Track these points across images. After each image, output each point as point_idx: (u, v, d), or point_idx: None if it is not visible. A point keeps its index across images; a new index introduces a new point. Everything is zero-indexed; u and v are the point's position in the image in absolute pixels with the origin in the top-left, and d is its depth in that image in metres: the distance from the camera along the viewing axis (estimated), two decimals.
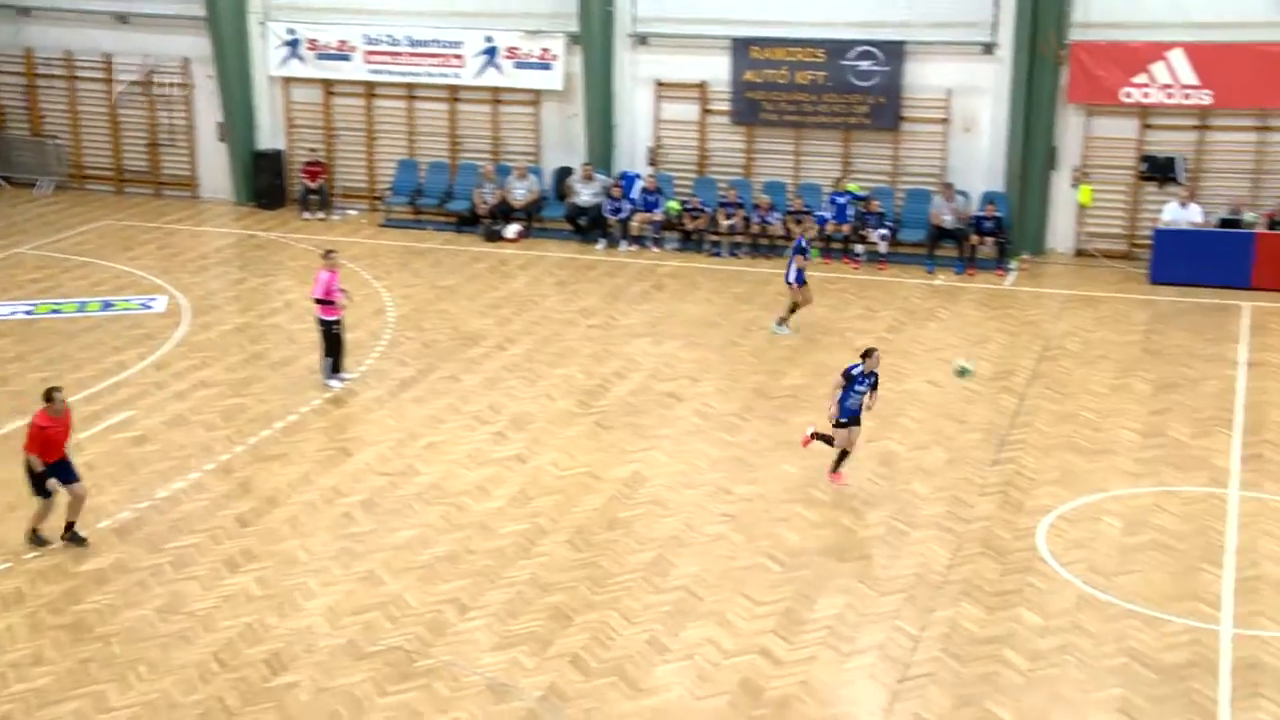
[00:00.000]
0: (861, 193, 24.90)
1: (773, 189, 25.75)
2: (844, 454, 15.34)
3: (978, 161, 25.04)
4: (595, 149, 26.56)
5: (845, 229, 24.55)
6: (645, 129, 26.71)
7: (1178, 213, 23.38)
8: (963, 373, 16.42)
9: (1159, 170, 24.07)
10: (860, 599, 12.99)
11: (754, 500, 15.12)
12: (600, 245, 25.70)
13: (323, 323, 18.27)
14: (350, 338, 19.02)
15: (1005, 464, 16.07)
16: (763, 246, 25.13)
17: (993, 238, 24.10)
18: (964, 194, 24.81)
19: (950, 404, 17.86)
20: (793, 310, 20.67)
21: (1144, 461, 16.13)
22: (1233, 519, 14.62)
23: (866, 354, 15.19)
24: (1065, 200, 24.81)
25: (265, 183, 28.59)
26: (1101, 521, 14.60)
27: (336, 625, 12.49)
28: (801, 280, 20.40)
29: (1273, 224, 23.00)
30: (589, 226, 25.93)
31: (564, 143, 27.09)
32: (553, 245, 25.86)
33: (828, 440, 15.37)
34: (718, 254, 25.17)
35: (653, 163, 26.66)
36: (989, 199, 24.51)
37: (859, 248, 24.56)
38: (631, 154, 26.76)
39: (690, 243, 25.54)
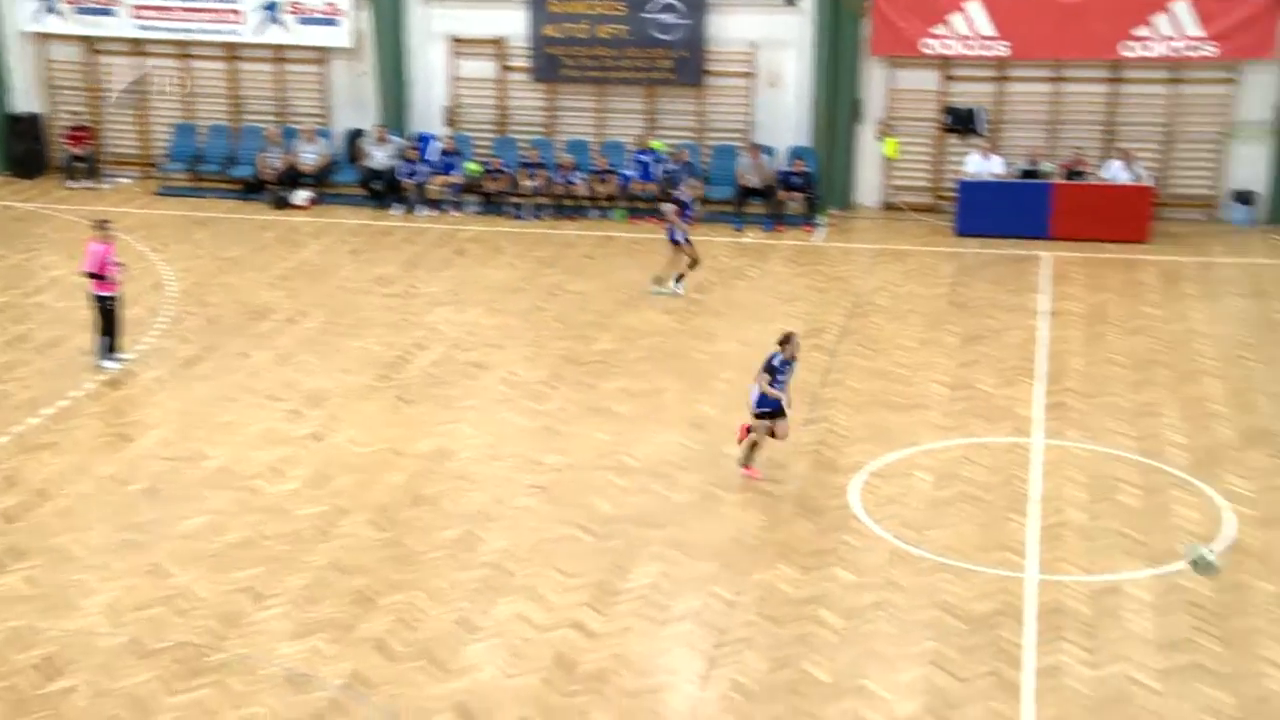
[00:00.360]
0: (666, 152, 24.57)
1: (576, 148, 25.25)
2: (754, 445, 14.53)
3: (784, 116, 24.90)
4: (388, 109, 25.70)
5: (651, 188, 24.20)
6: (441, 88, 25.92)
7: (980, 164, 23.65)
8: (1201, 563, 11.62)
9: (961, 122, 24.30)
10: (675, 566, 12.76)
11: (564, 470, 14.75)
12: (396, 210, 24.87)
13: (98, 299, 17.32)
14: (127, 315, 18.07)
15: (818, 423, 15.96)
16: (567, 208, 24.67)
17: (801, 193, 24.06)
18: (769, 151, 24.66)
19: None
20: (692, 266, 20.46)
21: (953, 414, 16.24)
22: (1037, 467, 14.80)
23: (785, 340, 14.33)
24: (871, 154, 24.85)
25: (22, 149, 26.98)
26: (913, 476, 14.64)
27: (118, 623, 11.76)
28: (686, 238, 20.30)
29: (1070, 174, 23.43)
30: (384, 191, 25.07)
31: (354, 103, 26.13)
32: (345, 211, 24.97)
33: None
34: (520, 217, 24.60)
35: (450, 123, 25.90)
36: (796, 154, 24.46)
37: (665, 206, 24.18)
38: (427, 114, 25.93)
39: (491, 205, 24.92)
